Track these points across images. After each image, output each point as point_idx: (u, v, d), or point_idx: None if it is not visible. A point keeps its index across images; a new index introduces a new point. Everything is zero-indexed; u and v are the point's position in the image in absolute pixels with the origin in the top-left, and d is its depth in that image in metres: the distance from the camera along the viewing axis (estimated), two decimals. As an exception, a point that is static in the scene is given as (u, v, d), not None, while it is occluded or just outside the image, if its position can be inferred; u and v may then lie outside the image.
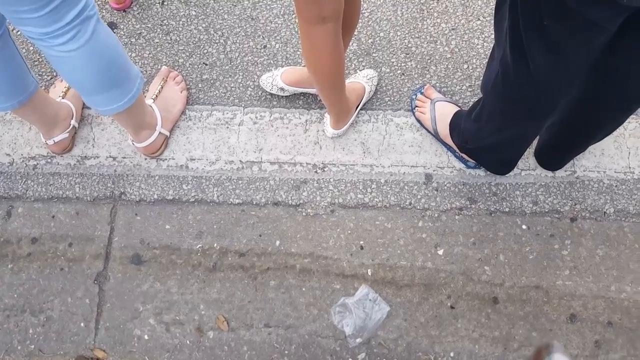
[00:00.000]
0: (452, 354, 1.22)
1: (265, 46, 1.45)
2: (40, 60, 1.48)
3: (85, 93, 1.07)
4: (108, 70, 1.02)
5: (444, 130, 1.29)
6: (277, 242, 1.30)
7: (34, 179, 1.38)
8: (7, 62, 1.03)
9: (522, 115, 0.98)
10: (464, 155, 1.29)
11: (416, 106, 1.34)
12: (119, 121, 1.23)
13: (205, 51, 1.46)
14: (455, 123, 1.25)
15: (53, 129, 1.29)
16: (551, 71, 0.81)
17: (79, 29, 0.92)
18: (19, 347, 1.28)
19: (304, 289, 1.27)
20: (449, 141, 1.29)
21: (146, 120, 1.26)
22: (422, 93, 1.35)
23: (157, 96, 1.34)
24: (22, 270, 1.32)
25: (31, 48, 1.49)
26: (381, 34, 1.44)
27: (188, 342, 1.25)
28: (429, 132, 1.34)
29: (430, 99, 1.33)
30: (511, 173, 1.31)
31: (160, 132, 1.31)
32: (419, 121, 1.34)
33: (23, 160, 1.40)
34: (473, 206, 1.30)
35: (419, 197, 1.32)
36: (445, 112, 1.29)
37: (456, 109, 1.30)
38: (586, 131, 1.10)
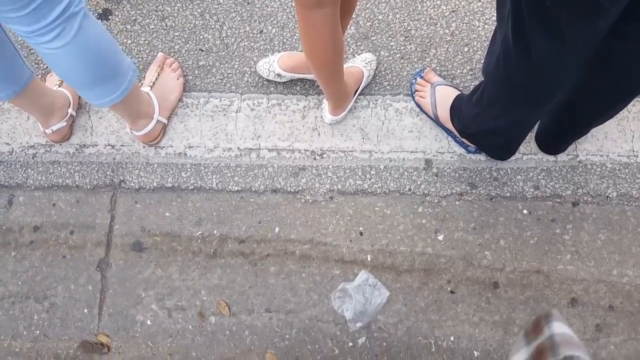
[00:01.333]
0: (452, 338, 1.23)
1: (261, 31, 1.44)
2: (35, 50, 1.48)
3: (77, 87, 1.08)
4: (97, 66, 1.02)
5: (444, 115, 1.28)
6: (277, 229, 1.32)
7: (34, 167, 1.40)
8: (1, 55, 1.04)
9: (522, 100, 0.97)
10: (465, 140, 1.29)
11: (416, 90, 1.34)
12: (115, 111, 1.24)
13: (201, 37, 1.45)
14: (456, 107, 1.24)
15: (50, 117, 1.30)
16: (552, 55, 0.81)
17: (64, 27, 0.93)
18: (24, 333, 1.31)
19: (303, 275, 1.28)
20: (450, 126, 1.28)
21: (143, 109, 1.27)
22: (422, 77, 1.34)
23: (153, 84, 1.35)
24: (25, 257, 1.35)
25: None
26: (380, 17, 1.42)
27: (190, 327, 1.27)
28: (429, 116, 1.33)
29: (431, 83, 1.32)
30: (512, 157, 1.31)
31: (158, 120, 1.32)
32: (418, 106, 1.34)
33: (22, 149, 1.42)
34: (473, 191, 1.31)
35: (418, 182, 1.32)
36: (445, 96, 1.28)
37: (457, 92, 1.29)
38: (589, 115, 1.10)
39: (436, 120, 1.31)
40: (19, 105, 1.24)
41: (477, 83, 1.18)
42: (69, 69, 1.00)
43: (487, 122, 1.13)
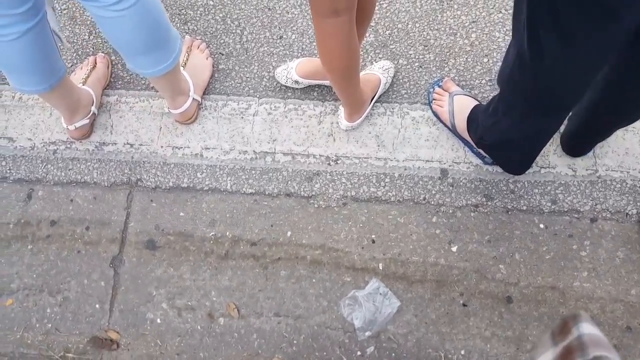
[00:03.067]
0: (462, 352, 1.23)
1: (281, 37, 1.49)
2: (61, 47, 1.55)
3: (132, 54, 1.13)
4: (155, 29, 1.09)
5: (461, 125, 1.30)
6: (289, 233, 1.34)
7: (54, 163, 1.46)
8: (43, 45, 1.11)
9: (537, 110, 0.99)
10: (481, 151, 1.30)
11: (433, 99, 1.36)
12: (158, 87, 1.30)
13: (222, 41, 1.50)
14: (473, 117, 1.26)
15: (75, 114, 1.36)
16: (568, 63, 0.82)
17: None
18: (37, 325, 1.36)
19: (314, 280, 1.30)
20: (467, 136, 1.30)
21: (182, 85, 1.34)
22: (440, 86, 1.36)
23: (185, 64, 1.42)
24: (41, 251, 1.40)
25: (54, 35, 1.56)
26: (399, 26, 1.45)
27: (199, 327, 1.30)
28: (445, 126, 1.35)
29: (449, 93, 1.34)
30: (530, 170, 1.31)
31: (193, 98, 1.38)
32: (435, 115, 1.36)
33: (44, 145, 1.48)
34: (489, 203, 1.31)
35: (433, 192, 1.33)
36: (463, 106, 1.30)
37: (475, 103, 1.31)
38: (614, 118, 1.10)
39: (453, 130, 1.33)
40: (49, 100, 1.30)
41: (496, 94, 1.20)
42: (130, 32, 1.06)
43: (503, 133, 1.14)
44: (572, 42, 0.77)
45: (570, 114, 1.19)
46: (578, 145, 1.28)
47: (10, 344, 1.36)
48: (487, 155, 1.30)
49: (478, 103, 1.31)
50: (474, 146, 1.30)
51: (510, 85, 0.99)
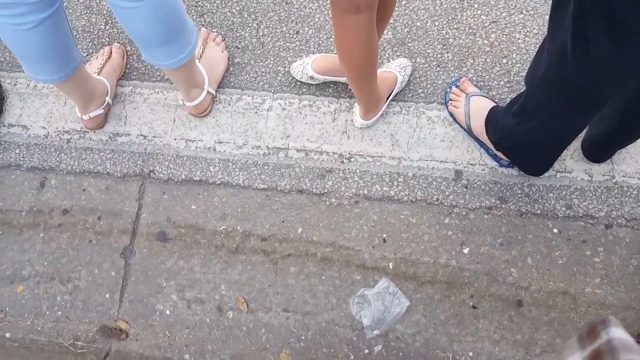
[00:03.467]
0: (470, 354, 1.24)
1: (298, 32, 1.49)
2: (77, 36, 1.56)
3: (148, 46, 1.14)
4: (172, 21, 1.09)
5: (478, 126, 1.29)
6: (300, 230, 1.35)
7: (67, 152, 1.47)
8: (60, 35, 1.12)
9: (571, 109, 0.99)
10: (498, 153, 1.29)
11: (450, 99, 1.35)
12: (173, 79, 1.31)
13: (238, 35, 1.50)
14: (492, 119, 1.26)
15: (90, 104, 1.37)
16: (615, 56, 0.80)
17: None
18: (47, 313, 1.38)
19: (323, 278, 1.31)
20: (484, 138, 1.30)
21: (197, 77, 1.34)
22: (457, 86, 1.36)
23: (201, 56, 1.42)
24: (53, 239, 1.42)
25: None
26: (418, 24, 1.45)
27: (208, 320, 1.32)
28: (461, 127, 1.35)
29: (466, 93, 1.33)
30: (545, 174, 1.31)
31: (208, 91, 1.39)
32: (451, 115, 1.36)
33: (57, 134, 1.49)
34: (503, 206, 1.31)
35: (447, 193, 1.34)
36: (480, 107, 1.29)
37: (492, 104, 1.30)
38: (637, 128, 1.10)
39: (469, 131, 1.33)
40: (64, 90, 1.31)
41: (515, 95, 1.19)
42: (147, 23, 1.06)
43: (528, 133, 1.14)
44: (625, 38, 0.75)
45: (596, 118, 1.19)
46: (600, 150, 1.27)
47: (21, 330, 1.38)
48: (503, 158, 1.29)
49: (495, 105, 1.30)
50: (490, 148, 1.30)
51: (542, 85, 0.98)
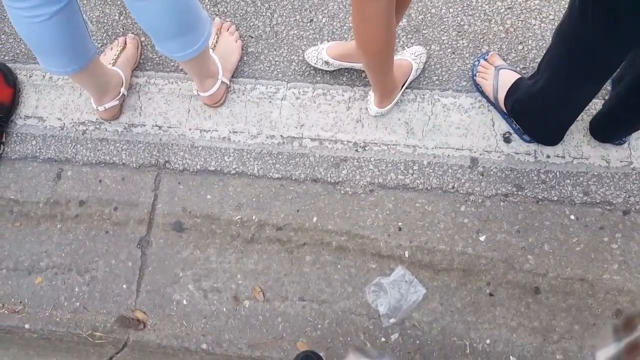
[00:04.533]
0: (487, 341, 1.27)
1: (311, 20, 1.51)
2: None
3: (162, 38, 1.17)
4: (185, 13, 1.12)
5: (504, 99, 1.32)
6: (315, 219, 1.38)
7: (83, 143, 1.52)
8: (73, 27, 1.16)
9: (577, 68, 1.03)
10: (518, 125, 1.33)
11: (478, 72, 1.38)
12: (187, 69, 1.34)
13: (251, 24, 1.53)
14: (513, 88, 1.30)
15: (104, 95, 1.41)
16: (610, 35, 0.87)
17: None
18: (65, 304, 1.43)
19: (339, 266, 1.35)
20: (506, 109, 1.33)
21: (211, 67, 1.38)
22: (485, 59, 1.38)
23: (215, 46, 1.46)
24: (70, 230, 1.46)
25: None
26: (433, 11, 1.47)
27: (224, 309, 1.36)
28: (487, 99, 1.38)
29: (494, 66, 1.36)
30: (562, 161, 1.33)
31: (222, 81, 1.43)
32: (478, 87, 1.38)
33: (73, 125, 1.53)
34: (520, 193, 1.34)
35: (462, 181, 1.36)
36: (508, 80, 1.33)
37: (519, 76, 1.33)
38: None
39: (495, 103, 1.36)
40: (79, 81, 1.35)
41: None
42: (160, 16, 1.10)
43: (536, 95, 1.18)
44: (616, 17, 0.82)
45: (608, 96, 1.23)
46: (605, 127, 1.30)
47: (40, 321, 1.43)
48: (521, 126, 1.32)
49: (522, 77, 1.33)
50: (514, 121, 1.32)
51: (557, 36, 1.04)
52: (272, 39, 1.52)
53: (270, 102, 1.48)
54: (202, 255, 1.40)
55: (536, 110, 1.24)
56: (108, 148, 1.51)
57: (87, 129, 1.53)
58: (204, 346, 1.36)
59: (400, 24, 1.46)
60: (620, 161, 1.33)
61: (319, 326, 1.33)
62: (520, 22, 1.44)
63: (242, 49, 1.51)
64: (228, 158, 1.46)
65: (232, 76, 1.49)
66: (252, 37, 1.53)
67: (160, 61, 1.55)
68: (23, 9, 1.07)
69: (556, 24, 1.42)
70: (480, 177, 1.36)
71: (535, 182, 1.34)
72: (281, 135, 1.45)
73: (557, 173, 1.34)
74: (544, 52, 1.40)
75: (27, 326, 1.43)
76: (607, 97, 1.34)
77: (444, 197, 1.36)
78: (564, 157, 1.34)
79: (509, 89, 1.30)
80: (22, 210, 1.50)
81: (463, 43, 1.44)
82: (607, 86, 1.34)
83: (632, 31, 0.85)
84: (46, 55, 1.21)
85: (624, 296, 1.25)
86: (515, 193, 1.34)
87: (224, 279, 1.38)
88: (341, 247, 1.37)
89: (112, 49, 1.50)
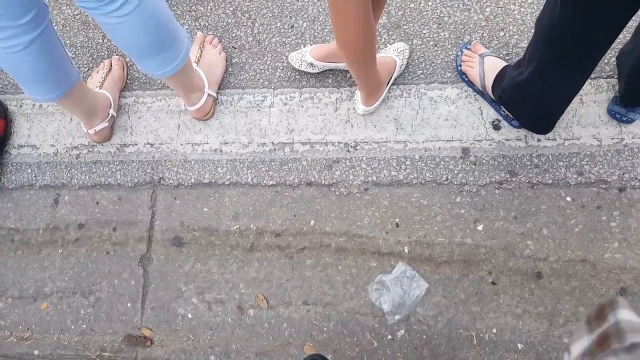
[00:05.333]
0: (494, 330, 1.29)
1: (292, 26, 1.55)
2: (77, 52, 1.64)
3: (140, 57, 1.20)
4: (161, 31, 1.15)
5: (491, 86, 1.35)
6: (312, 222, 1.41)
7: (78, 167, 1.55)
8: (51, 53, 1.19)
9: (558, 60, 1.05)
10: (508, 112, 1.35)
11: (463, 61, 1.41)
12: (172, 85, 1.38)
13: (233, 35, 1.57)
14: (501, 76, 1.32)
15: (93, 118, 1.45)
16: (588, 18, 0.89)
17: None
18: (72, 327, 1.46)
19: (340, 267, 1.37)
20: (494, 96, 1.35)
21: (195, 81, 1.41)
22: (468, 48, 1.41)
23: (199, 60, 1.49)
24: (72, 254, 1.50)
25: (67, 41, 1.65)
26: (411, 5, 1.50)
27: (230, 319, 1.38)
28: (473, 88, 1.40)
29: (478, 54, 1.39)
30: (554, 143, 1.35)
31: (208, 94, 1.46)
32: (463, 76, 1.41)
33: (66, 150, 1.57)
34: (514, 179, 1.36)
35: (455, 172, 1.38)
36: (493, 66, 1.35)
37: (505, 64, 1.35)
38: None
39: (482, 91, 1.38)
40: (65, 107, 1.39)
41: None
42: (135, 36, 1.13)
43: (522, 86, 1.20)
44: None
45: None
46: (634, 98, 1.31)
47: (48, 346, 1.46)
48: (511, 114, 1.34)
49: (508, 64, 1.35)
50: (503, 109, 1.34)
51: (539, 29, 1.06)
52: (255, 48, 1.55)
53: (259, 110, 1.51)
54: (203, 268, 1.43)
55: (524, 101, 1.26)
56: (102, 170, 1.54)
57: (80, 153, 1.57)
58: (212, 358, 1.38)
59: (380, 21, 1.49)
60: (612, 138, 1.34)
61: (325, 329, 1.35)
62: (499, 8, 1.46)
63: (227, 60, 1.54)
64: (221, 169, 1.49)
65: (219, 88, 1.53)
66: (235, 48, 1.56)
67: (147, 80, 1.59)
68: None
69: (535, 7, 1.45)
70: (473, 166, 1.38)
71: (529, 166, 1.36)
72: (272, 142, 1.48)
73: (550, 156, 1.36)
74: (526, 37, 1.43)
75: (36, 352, 1.47)
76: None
77: (438, 189, 1.38)
78: (555, 140, 1.36)
79: (496, 77, 1.32)
80: (22, 238, 1.54)
81: (444, 35, 1.47)
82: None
83: (609, 18, 0.87)
84: (28, 84, 1.24)
85: (626, 274, 1.27)
86: (509, 179, 1.36)
87: (227, 290, 1.41)
88: (340, 248, 1.39)
89: (98, 72, 1.54)
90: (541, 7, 1.41)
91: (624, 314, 0.56)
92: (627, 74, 1.25)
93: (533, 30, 1.19)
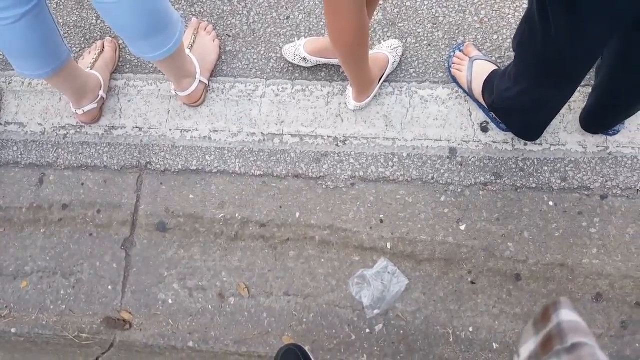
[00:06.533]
0: (470, 329, 1.33)
1: (288, 17, 1.57)
2: (69, 32, 1.66)
3: (133, 39, 1.22)
4: (153, 14, 1.16)
5: (478, 89, 1.39)
6: (297, 214, 1.44)
7: (65, 147, 1.57)
8: (43, 30, 1.20)
9: (546, 79, 1.07)
10: (497, 117, 1.38)
11: (453, 63, 1.44)
12: (163, 70, 1.40)
13: (229, 22, 1.59)
14: (489, 81, 1.35)
15: (82, 99, 1.47)
16: (572, 34, 0.89)
17: None
18: (51, 307, 1.48)
19: (322, 260, 1.40)
20: (482, 100, 1.38)
21: (187, 67, 1.43)
22: (461, 50, 1.45)
23: (192, 46, 1.51)
24: (54, 234, 1.52)
25: (60, 20, 1.66)
26: (408, 4, 1.53)
27: (210, 307, 1.41)
28: (463, 90, 1.44)
29: (469, 57, 1.42)
30: (540, 148, 1.39)
31: (200, 81, 1.48)
32: (454, 79, 1.44)
33: (54, 130, 1.59)
34: (498, 181, 1.40)
35: (442, 171, 1.42)
36: (482, 71, 1.38)
37: (494, 68, 1.39)
38: (626, 99, 1.17)
39: (470, 94, 1.42)
40: (54, 85, 1.41)
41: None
42: (129, 18, 1.14)
43: (513, 99, 1.23)
44: (577, 12, 0.84)
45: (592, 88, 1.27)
46: (594, 121, 1.35)
47: (26, 325, 1.48)
48: (502, 122, 1.38)
49: (497, 68, 1.39)
50: (490, 111, 1.38)
51: (520, 52, 1.08)
52: (249, 37, 1.58)
53: (250, 100, 1.53)
54: (186, 254, 1.46)
55: (514, 112, 1.30)
56: (89, 151, 1.56)
57: (67, 133, 1.59)
58: (191, 344, 1.41)
59: (375, 17, 1.52)
60: (597, 146, 1.39)
61: (304, 320, 1.39)
62: (494, 11, 1.50)
63: (220, 48, 1.56)
64: (209, 157, 1.51)
65: (211, 75, 1.55)
66: (229, 36, 1.59)
67: (139, 63, 1.61)
68: None
69: (531, 13, 1.49)
70: (459, 167, 1.42)
71: (514, 170, 1.40)
72: (262, 133, 1.51)
73: (535, 160, 1.40)
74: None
75: (13, 330, 1.49)
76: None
77: (424, 188, 1.42)
78: (541, 145, 1.40)
79: (485, 80, 1.36)
80: (5, 215, 1.56)
81: (439, 35, 1.50)
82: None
83: (593, 25, 0.88)
84: (18, 59, 1.25)
85: (603, 280, 1.31)
86: (494, 182, 1.40)
87: (209, 277, 1.44)
88: (324, 241, 1.42)
89: (90, 52, 1.56)
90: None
91: (565, 315, 0.57)
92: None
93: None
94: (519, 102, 1.22)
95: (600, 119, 1.34)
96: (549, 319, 0.58)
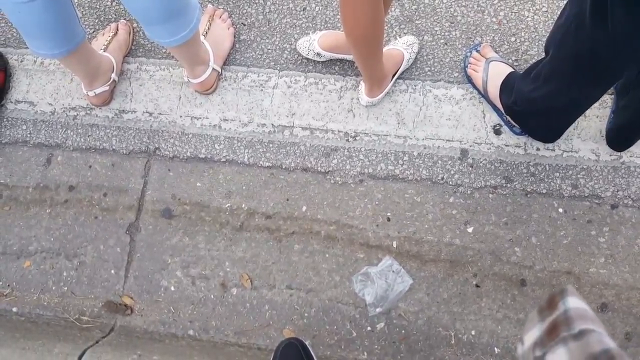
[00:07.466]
0: (473, 332, 1.34)
1: (304, 8, 1.58)
2: (84, 13, 1.67)
3: (149, 23, 1.23)
4: None
5: (493, 91, 1.38)
6: (304, 208, 1.45)
7: (74, 129, 1.58)
8: (60, 8, 1.21)
9: (586, 78, 1.06)
10: (511, 120, 1.38)
11: (469, 63, 1.44)
12: (177, 55, 1.40)
13: (244, 11, 1.60)
14: (508, 83, 1.35)
15: (94, 81, 1.48)
16: (631, 29, 0.87)
17: None
18: (53, 288, 1.50)
19: (327, 255, 1.41)
20: (498, 103, 1.39)
21: (201, 54, 1.44)
22: (477, 51, 1.45)
23: (207, 33, 1.52)
24: (59, 215, 1.53)
25: (75, 1, 1.67)
26: (426, 1, 1.53)
27: (212, 296, 1.43)
28: (478, 91, 1.44)
29: (486, 58, 1.42)
30: (552, 154, 1.39)
31: (213, 68, 1.49)
32: (469, 79, 1.45)
33: (64, 111, 1.60)
34: (509, 185, 1.40)
35: (452, 172, 1.42)
36: (499, 72, 1.38)
37: (510, 70, 1.39)
38: None
39: (484, 95, 1.42)
40: (67, 65, 1.42)
41: (535, 61, 1.26)
42: (146, 1, 1.14)
43: (539, 100, 1.22)
44: None
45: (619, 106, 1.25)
46: (622, 139, 1.34)
47: (27, 304, 1.50)
48: (516, 125, 1.38)
49: (513, 70, 1.39)
50: (504, 114, 1.38)
51: (561, 49, 1.06)
52: (264, 27, 1.58)
53: (262, 90, 1.54)
54: (190, 242, 1.47)
55: (537, 114, 1.29)
56: (98, 134, 1.58)
57: (77, 115, 1.60)
58: (191, 332, 1.43)
59: (392, 13, 1.52)
60: (610, 155, 1.39)
61: (306, 314, 1.40)
62: (513, 13, 1.50)
63: (235, 37, 1.57)
64: (218, 146, 1.52)
65: (224, 64, 1.56)
66: (244, 25, 1.59)
67: (152, 48, 1.62)
68: None
69: (549, 16, 1.48)
70: (470, 168, 1.42)
71: (525, 174, 1.40)
72: (272, 124, 1.52)
73: (547, 166, 1.40)
74: (537, 44, 1.47)
75: (14, 309, 1.51)
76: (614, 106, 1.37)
77: (433, 188, 1.43)
78: (554, 150, 1.40)
79: (502, 83, 1.36)
80: (11, 194, 1.58)
81: (456, 34, 1.50)
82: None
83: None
84: (33, 38, 1.26)
85: (609, 290, 1.32)
86: (504, 185, 1.40)
87: (212, 266, 1.45)
88: (330, 236, 1.43)
89: (103, 34, 1.57)
90: (555, 17, 1.45)
91: (573, 302, 0.57)
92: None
93: (544, 40, 1.19)
94: (547, 103, 1.21)
95: (632, 136, 1.34)
96: (556, 306, 0.58)
